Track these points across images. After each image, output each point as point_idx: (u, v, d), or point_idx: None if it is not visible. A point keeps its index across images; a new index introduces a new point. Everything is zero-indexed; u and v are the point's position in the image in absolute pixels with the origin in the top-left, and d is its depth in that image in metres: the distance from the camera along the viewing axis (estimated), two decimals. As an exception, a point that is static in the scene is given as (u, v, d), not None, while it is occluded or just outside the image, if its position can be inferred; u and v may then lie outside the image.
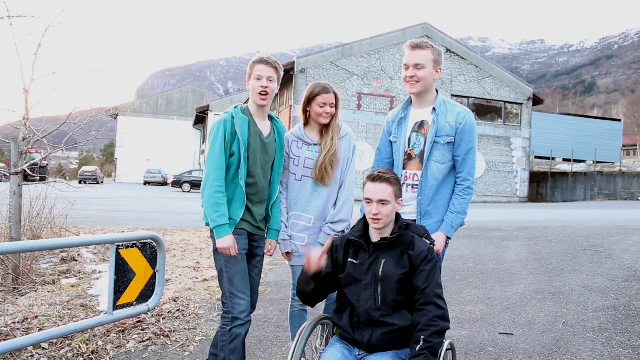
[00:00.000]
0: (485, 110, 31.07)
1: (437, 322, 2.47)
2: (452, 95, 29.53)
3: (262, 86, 3.24)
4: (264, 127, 3.38)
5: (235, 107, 3.34)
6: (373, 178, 2.69)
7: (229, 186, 3.21)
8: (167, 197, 27.11)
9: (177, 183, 38.43)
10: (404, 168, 3.22)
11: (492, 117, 31.17)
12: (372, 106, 27.49)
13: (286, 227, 3.52)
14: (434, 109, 3.17)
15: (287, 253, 3.52)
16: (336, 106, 3.49)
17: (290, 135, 3.61)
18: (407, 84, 3.17)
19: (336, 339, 2.77)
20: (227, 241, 3.09)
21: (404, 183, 3.17)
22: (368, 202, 2.68)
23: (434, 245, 2.80)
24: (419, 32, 29.02)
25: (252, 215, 3.30)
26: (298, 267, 3.32)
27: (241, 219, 3.23)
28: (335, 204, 3.51)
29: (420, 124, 3.20)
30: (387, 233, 2.70)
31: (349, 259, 2.75)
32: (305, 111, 3.55)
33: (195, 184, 35.70)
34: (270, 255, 3.56)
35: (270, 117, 3.49)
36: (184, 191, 36.17)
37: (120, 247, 3.92)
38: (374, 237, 2.73)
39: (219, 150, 3.16)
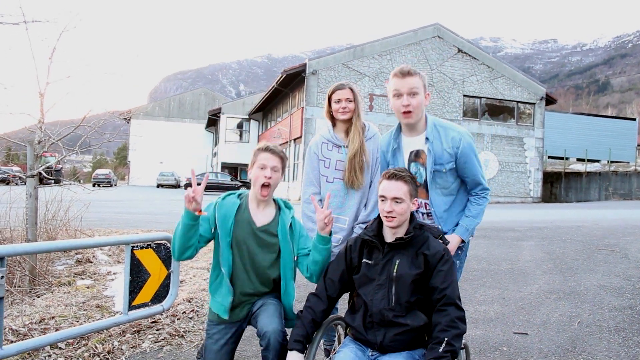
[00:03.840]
0: (498, 110, 30.91)
1: (457, 324, 2.46)
2: (464, 95, 29.44)
3: (265, 177, 3.00)
4: (262, 216, 3.08)
5: (232, 193, 3.16)
6: (389, 176, 2.68)
7: (216, 273, 3.06)
8: (180, 200, 27.19)
9: (189, 186, 38.57)
10: None
11: (505, 118, 31.00)
12: (384, 107, 27.41)
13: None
14: (427, 138, 3.04)
15: None
16: (355, 102, 3.46)
17: (320, 138, 3.62)
18: (403, 115, 2.99)
19: (349, 339, 2.76)
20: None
21: (416, 211, 3.15)
22: (383, 200, 2.67)
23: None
24: (431, 33, 28.98)
25: (242, 302, 3.05)
26: None
27: (230, 311, 3.01)
28: (366, 204, 3.51)
29: (417, 154, 3.11)
30: (401, 233, 2.68)
31: (364, 260, 2.73)
32: (329, 113, 3.57)
33: (208, 187, 35.84)
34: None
35: (279, 207, 3.16)
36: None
37: (135, 248, 3.96)
38: (389, 237, 2.71)
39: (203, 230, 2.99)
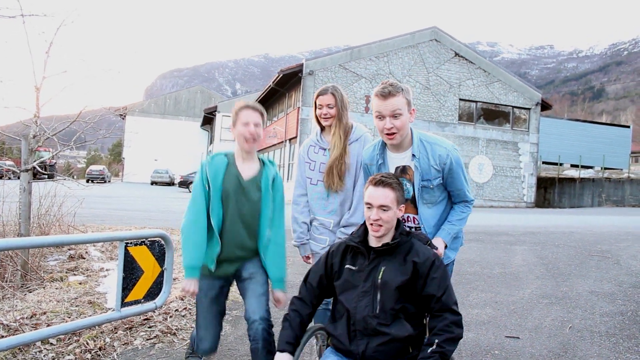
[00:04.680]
0: (493, 115, 30.98)
1: (452, 328, 2.41)
2: (460, 99, 29.50)
3: (250, 132, 3.18)
4: (247, 170, 3.26)
5: (219, 153, 3.32)
6: (375, 182, 2.60)
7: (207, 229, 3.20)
8: (175, 198, 27.18)
9: (184, 184, 38.60)
10: None
11: (500, 122, 31.05)
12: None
13: (308, 230, 3.56)
14: (413, 155, 2.95)
15: (308, 257, 3.58)
16: (337, 107, 3.49)
17: (309, 141, 3.68)
18: (386, 137, 2.92)
19: (331, 350, 2.65)
20: (188, 285, 3.11)
21: (405, 225, 3.04)
22: (369, 208, 2.59)
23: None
24: (428, 36, 29.02)
25: (227, 257, 3.21)
26: None
27: (217, 262, 3.18)
28: (350, 207, 3.51)
29: (403, 169, 3.02)
30: (387, 239, 2.61)
31: (347, 266, 2.65)
32: (316, 117, 3.60)
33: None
34: (279, 307, 3.34)
35: (264, 163, 3.36)
36: (190, 192, 36.29)
37: (129, 245, 3.94)
38: (374, 242, 2.63)
39: (198, 192, 3.19)
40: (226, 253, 3.20)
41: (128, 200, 21.27)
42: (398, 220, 2.66)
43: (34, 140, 6.77)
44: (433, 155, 2.94)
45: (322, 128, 3.64)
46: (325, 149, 3.56)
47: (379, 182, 2.59)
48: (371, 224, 2.57)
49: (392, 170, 3.04)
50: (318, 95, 3.53)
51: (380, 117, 2.87)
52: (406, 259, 2.55)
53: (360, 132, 3.59)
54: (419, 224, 3.04)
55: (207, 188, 3.18)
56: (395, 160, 3.04)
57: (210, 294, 3.23)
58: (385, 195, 2.56)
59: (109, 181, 44.60)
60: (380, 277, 2.53)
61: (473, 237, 10.31)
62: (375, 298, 2.52)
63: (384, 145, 3.08)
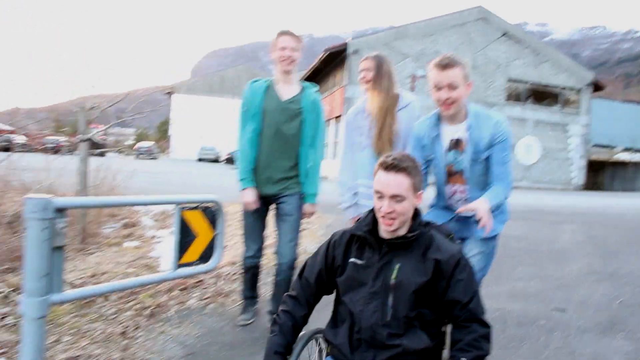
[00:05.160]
0: (542, 95, 30.22)
1: (482, 344, 2.00)
2: (508, 79, 28.89)
3: (286, 55, 3.51)
4: (287, 92, 3.61)
5: (258, 79, 3.66)
6: (387, 166, 2.10)
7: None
8: (222, 174, 27.59)
9: (230, 160, 39.19)
10: (447, 184, 3.15)
11: (550, 103, 30.29)
12: (425, 89, 27.07)
13: (355, 194, 3.64)
14: (467, 127, 3.00)
15: (355, 219, 3.65)
16: (376, 72, 3.54)
17: (356, 108, 3.75)
18: (442, 107, 2.97)
19: None
20: (247, 195, 3.53)
21: (451, 197, 3.13)
22: (379, 197, 2.12)
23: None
24: (475, 15, 28.44)
25: (269, 175, 3.61)
26: None
27: (259, 181, 3.63)
28: None
29: (456, 142, 3.06)
30: (403, 231, 2.15)
31: (352, 259, 2.19)
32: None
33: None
34: (308, 218, 3.90)
35: (304, 88, 3.70)
36: (237, 168, 36.74)
37: (184, 209, 4.11)
38: (385, 234, 2.17)
39: (242, 114, 3.58)
40: (268, 172, 3.55)
41: (176, 176, 21.73)
42: (416, 208, 2.21)
43: (90, 112, 7.05)
44: (487, 126, 2.97)
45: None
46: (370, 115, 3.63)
47: (391, 167, 2.09)
48: (382, 217, 2.11)
49: (446, 143, 3.07)
50: (360, 62, 3.65)
51: (438, 88, 2.92)
52: (426, 255, 2.11)
53: (407, 100, 3.63)
54: (467, 195, 3.08)
55: (250, 112, 3.52)
56: (449, 132, 3.07)
57: (254, 211, 3.68)
58: (399, 183, 2.08)
59: (157, 157, 45.57)
60: (394, 276, 2.09)
61: (520, 215, 10.20)
62: (386, 302, 2.09)
63: (438, 118, 3.12)
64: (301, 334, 2.22)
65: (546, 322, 4.33)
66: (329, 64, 30.77)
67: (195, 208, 4.24)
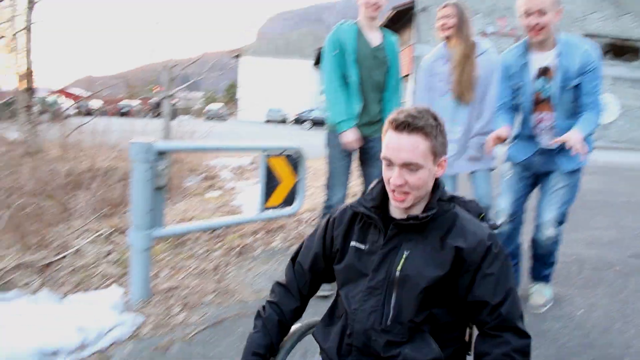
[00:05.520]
0: (621, 50, 28.68)
1: (516, 359, 1.43)
2: (585, 34, 27.55)
3: (374, 1, 3.53)
4: (373, 37, 3.64)
5: (345, 21, 3.69)
6: (397, 125, 1.48)
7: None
8: (291, 134, 27.96)
9: (299, 121, 39.89)
10: (533, 112, 3.18)
11: (629, 58, 28.73)
12: (496, 46, 26.21)
13: None
14: (557, 54, 3.01)
15: None
16: (458, 18, 3.55)
17: (432, 55, 3.77)
18: (532, 32, 3.00)
19: None
20: (348, 135, 3.51)
21: (536, 126, 3.16)
22: (388, 165, 1.52)
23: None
24: (552, -35, 27.09)
25: (365, 118, 3.64)
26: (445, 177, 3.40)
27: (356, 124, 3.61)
28: (479, 116, 3.60)
29: (545, 70, 3.09)
30: (417, 211, 1.57)
31: (353, 243, 1.64)
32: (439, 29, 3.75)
33: (316, 122, 36.64)
34: None
35: (385, 36, 3.74)
36: (305, 129, 37.13)
37: (269, 156, 4.34)
38: (397, 213, 1.60)
39: (331, 57, 3.56)
40: (363, 115, 3.61)
41: (248, 135, 22.20)
42: (437, 180, 1.59)
43: (172, 70, 7.41)
44: (577, 53, 2.99)
45: (448, 40, 3.73)
46: (450, 60, 3.66)
47: (404, 125, 1.48)
48: (392, 191, 1.53)
49: (535, 71, 3.10)
50: (440, 9, 3.65)
51: (528, 14, 2.97)
52: (445, 241, 1.52)
53: (485, 46, 3.66)
54: (554, 122, 3.11)
55: (345, 55, 3.54)
56: (538, 60, 3.10)
57: (344, 157, 3.69)
58: (413, 147, 1.47)
59: (226, 120, 46.51)
60: (399, 267, 1.52)
61: (597, 170, 9.95)
62: (387, 300, 1.54)
63: (526, 47, 3.15)
64: (294, 327, 1.76)
65: (623, 267, 4.35)
66: (397, 22, 30.25)
67: (280, 155, 4.49)
